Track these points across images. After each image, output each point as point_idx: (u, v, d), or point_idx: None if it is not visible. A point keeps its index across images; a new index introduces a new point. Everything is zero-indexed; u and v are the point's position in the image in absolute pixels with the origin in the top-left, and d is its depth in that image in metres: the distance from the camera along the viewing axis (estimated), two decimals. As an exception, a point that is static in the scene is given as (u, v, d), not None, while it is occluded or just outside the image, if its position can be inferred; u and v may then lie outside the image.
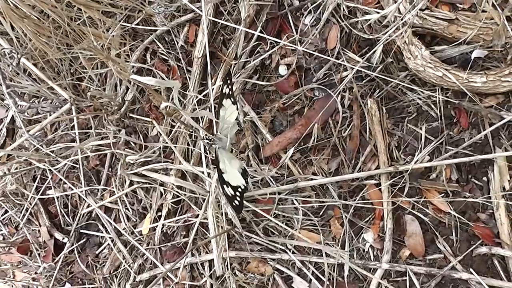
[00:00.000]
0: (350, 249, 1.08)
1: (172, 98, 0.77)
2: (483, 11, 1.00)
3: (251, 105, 1.16)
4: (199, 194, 1.15)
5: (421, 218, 1.05)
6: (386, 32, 1.04)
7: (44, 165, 1.31)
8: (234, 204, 0.88)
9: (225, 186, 0.87)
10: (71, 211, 1.34)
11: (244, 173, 0.91)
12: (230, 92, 0.90)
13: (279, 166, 1.13)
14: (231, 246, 1.14)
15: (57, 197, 1.34)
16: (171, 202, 1.18)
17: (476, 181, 1.04)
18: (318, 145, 1.12)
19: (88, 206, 1.30)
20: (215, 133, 0.92)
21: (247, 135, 1.15)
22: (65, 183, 1.32)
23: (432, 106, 1.07)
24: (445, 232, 1.04)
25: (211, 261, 1.17)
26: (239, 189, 0.88)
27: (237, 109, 0.94)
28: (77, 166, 1.30)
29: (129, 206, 1.24)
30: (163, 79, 1.20)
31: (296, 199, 1.11)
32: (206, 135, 0.93)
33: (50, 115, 1.14)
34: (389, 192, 1.06)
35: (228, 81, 0.90)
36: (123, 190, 1.23)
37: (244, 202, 0.92)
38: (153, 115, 1.22)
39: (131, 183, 1.23)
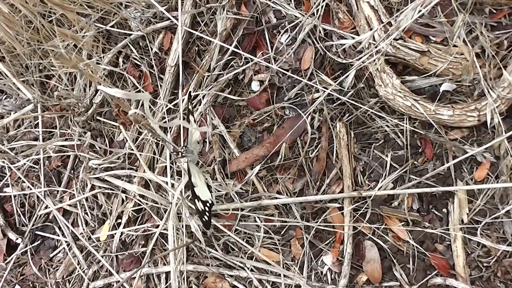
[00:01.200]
0: (308, 270, 1.08)
1: (142, 105, 0.76)
2: (454, 45, 1.01)
3: (221, 119, 1.15)
4: (161, 205, 1.13)
5: (381, 244, 1.05)
6: (360, 58, 1.05)
7: (3, 162, 1.27)
8: (203, 219, 0.87)
9: (196, 200, 0.86)
10: (27, 211, 1.30)
11: (208, 188, 0.90)
12: (191, 112, 0.90)
13: (244, 182, 1.12)
14: (190, 259, 1.12)
15: (14, 196, 1.30)
16: (132, 210, 1.16)
17: (436, 212, 1.05)
18: (284, 164, 1.11)
19: (46, 208, 1.26)
20: (185, 145, 0.90)
21: (214, 149, 1.14)
22: (24, 182, 1.28)
23: (399, 134, 1.08)
24: (403, 261, 1.04)
25: (168, 273, 1.14)
26: (208, 204, 0.88)
27: (196, 129, 0.94)
28: (38, 165, 1.26)
29: (88, 211, 1.21)
30: (134, 84, 1.19)
31: (258, 217, 1.11)
32: (177, 147, 0.91)
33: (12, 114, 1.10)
34: (351, 217, 1.06)
35: (191, 100, 0.90)
36: (83, 193, 1.20)
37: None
38: (121, 119, 1.19)
39: (93, 187, 1.20)
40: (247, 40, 1.14)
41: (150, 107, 1.17)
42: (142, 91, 1.17)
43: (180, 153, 0.90)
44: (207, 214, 0.87)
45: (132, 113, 0.80)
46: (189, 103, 0.90)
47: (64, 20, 1.18)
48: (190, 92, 0.96)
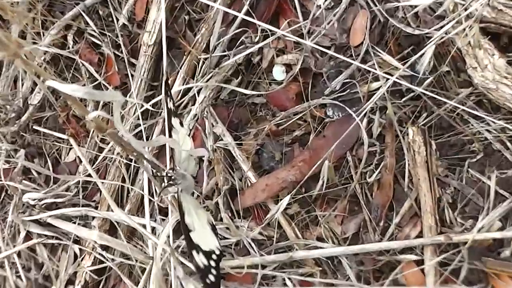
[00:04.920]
0: None
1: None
2: None
3: (226, 125, 0.91)
4: (136, 261, 0.87)
5: (485, 317, 0.81)
6: (441, 27, 0.83)
7: None
8: (207, 280, 0.62)
9: (194, 252, 0.61)
10: None
11: (213, 230, 0.67)
12: (173, 109, 0.69)
13: (266, 223, 0.87)
14: None
15: None
16: (91, 271, 0.91)
17: None
18: (327, 194, 0.87)
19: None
20: (174, 167, 0.66)
21: (217, 172, 0.87)
22: None
23: (508, 144, 0.85)
24: None
25: None
26: (214, 256, 0.64)
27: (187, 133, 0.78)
28: None
29: (22, 273, 0.94)
30: (91, 74, 0.93)
31: (289, 278, 0.86)
32: (164, 170, 0.67)
33: None
34: (437, 275, 0.81)
35: (168, 93, 0.69)
36: (14, 246, 0.95)
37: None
38: (71, 129, 0.95)
39: (29, 236, 0.96)
40: (265, 3, 0.92)
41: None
42: (105, 86, 0.93)
43: (168, 179, 0.65)
44: (213, 271, 0.63)
45: (92, 117, 0.50)
46: (168, 98, 0.67)
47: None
48: (167, 79, 0.75)
